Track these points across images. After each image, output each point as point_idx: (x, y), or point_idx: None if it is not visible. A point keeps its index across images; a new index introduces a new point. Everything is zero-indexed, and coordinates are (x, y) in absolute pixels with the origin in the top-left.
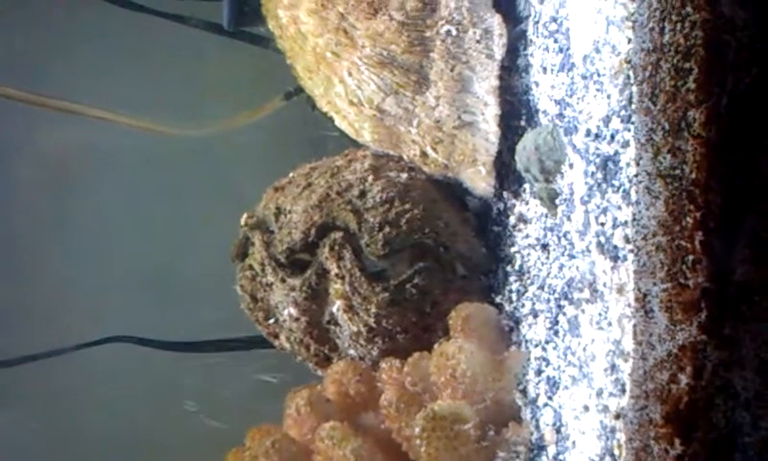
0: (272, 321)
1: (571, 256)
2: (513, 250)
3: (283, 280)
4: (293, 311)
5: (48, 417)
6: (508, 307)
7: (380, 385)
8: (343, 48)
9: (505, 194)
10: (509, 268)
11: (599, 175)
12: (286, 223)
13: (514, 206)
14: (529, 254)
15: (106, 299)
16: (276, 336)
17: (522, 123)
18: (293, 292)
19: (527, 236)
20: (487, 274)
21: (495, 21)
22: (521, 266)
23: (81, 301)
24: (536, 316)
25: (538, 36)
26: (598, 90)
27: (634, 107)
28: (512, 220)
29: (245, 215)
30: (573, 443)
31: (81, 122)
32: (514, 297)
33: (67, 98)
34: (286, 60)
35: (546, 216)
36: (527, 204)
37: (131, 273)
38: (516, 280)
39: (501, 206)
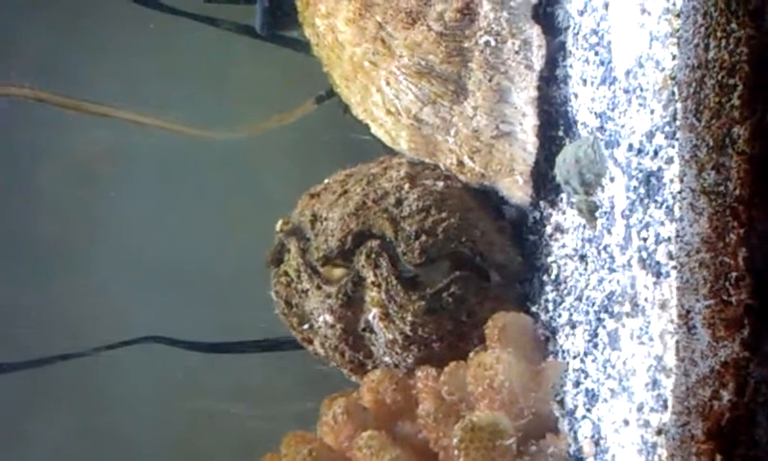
0: (306, 326)
1: (611, 270)
2: (549, 259)
3: (319, 287)
4: (328, 318)
5: (81, 417)
6: (544, 317)
7: (416, 394)
8: (381, 57)
9: (541, 203)
10: (545, 277)
11: (641, 190)
12: (322, 230)
13: (550, 215)
14: (566, 265)
15: (136, 300)
16: (310, 342)
17: (560, 133)
18: (329, 299)
19: (564, 246)
20: (522, 282)
21: (535, 32)
22: (558, 276)
23: (111, 302)
24: (573, 327)
25: (577, 48)
26: (641, 105)
27: (678, 123)
28: (548, 229)
29: (280, 221)
30: (613, 456)
31: (112, 124)
32: (550, 306)
33: (98, 100)
34: (319, 64)
35: (584, 227)
36: (564, 213)
37: (161, 275)
38: (552, 290)
39: (537, 215)
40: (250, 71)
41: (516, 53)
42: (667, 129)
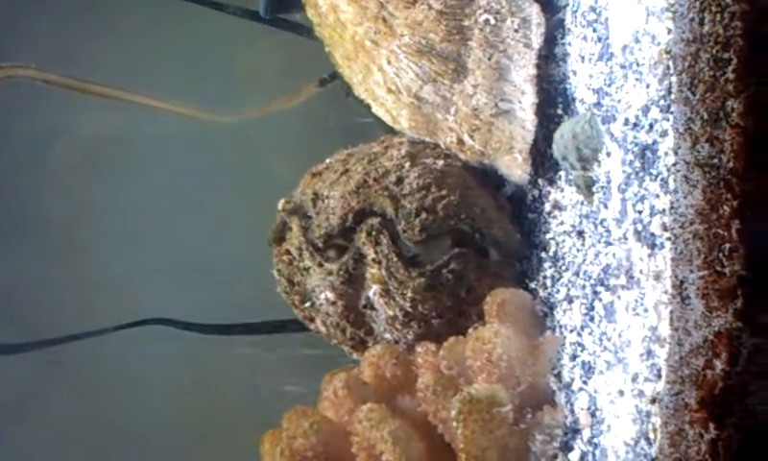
0: (308, 304)
1: (608, 243)
2: (547, 236)
3: (321, 265)
4: (330, 295)
5: (90, 397)
6: (542, 293)
7: (416, 368)
8: (382, 37)
9: (540, 181)
10: (543, 254)
11: (637, 163)
12: (324, 208)
13: (549, 193)
14: (564, 241)
15: (142, 282)
16: (312, 320)
17: (559, 111)
18: (330, 276)
19: (562, 223)
20: (521, 260)
21: (534, 10)
22: (556, 252)
23: (118, 284)
24: (571, 302)
25: (576, 26)
26: (637, 80)
27: (673, 96)
28: (547, 207)
29: (282, 200)
30: (608, 426)
31: (118, 107)
32: (548, 283)
33: (104, 83)
34: (321, 48)
35: (582, 203)
36: (562, 191)
37: (166, 257)
38: (550, 266)
39: (536, 192)
40: (253, 55)
41: (516, 31)
42: (662, 102)
